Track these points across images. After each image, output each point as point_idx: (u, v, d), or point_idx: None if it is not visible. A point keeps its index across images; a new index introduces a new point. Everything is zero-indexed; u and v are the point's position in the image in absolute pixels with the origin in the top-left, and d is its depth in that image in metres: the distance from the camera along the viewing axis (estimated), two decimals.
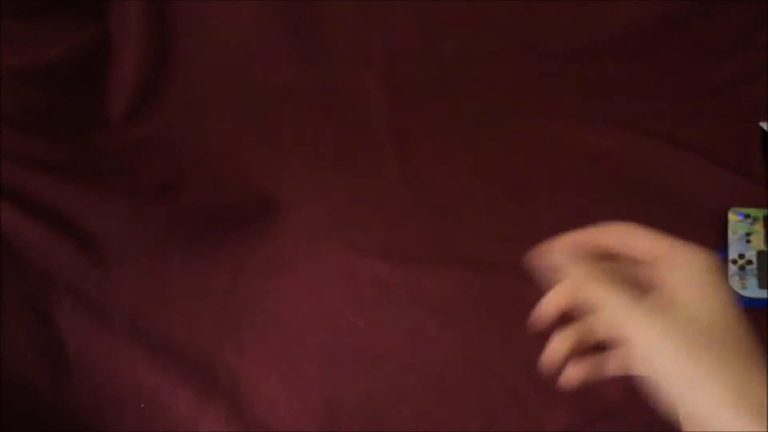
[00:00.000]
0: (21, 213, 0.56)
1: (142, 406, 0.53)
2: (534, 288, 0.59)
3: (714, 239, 0.60)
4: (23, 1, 0.67)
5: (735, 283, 0.56)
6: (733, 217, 0.60)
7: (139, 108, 0.72)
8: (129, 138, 0.69)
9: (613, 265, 0.36)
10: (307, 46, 0.76)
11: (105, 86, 0.72)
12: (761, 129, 0.67)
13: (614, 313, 0.31)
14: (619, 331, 0.31)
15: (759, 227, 0.59)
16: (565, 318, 0.36)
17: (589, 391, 0.52)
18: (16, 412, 0.51)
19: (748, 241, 0.58)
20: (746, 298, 0.55)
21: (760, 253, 0.58)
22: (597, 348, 0.36)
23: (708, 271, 0.32)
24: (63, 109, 0.67)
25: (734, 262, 0.57)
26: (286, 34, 0.75)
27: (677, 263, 0.32)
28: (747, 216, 0.60)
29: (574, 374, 0.36)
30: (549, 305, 0.36)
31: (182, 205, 0.65)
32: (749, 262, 0.57)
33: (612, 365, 0.36)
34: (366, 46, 0.76)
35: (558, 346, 0.36)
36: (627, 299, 0.31)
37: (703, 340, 0.29)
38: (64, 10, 0.70)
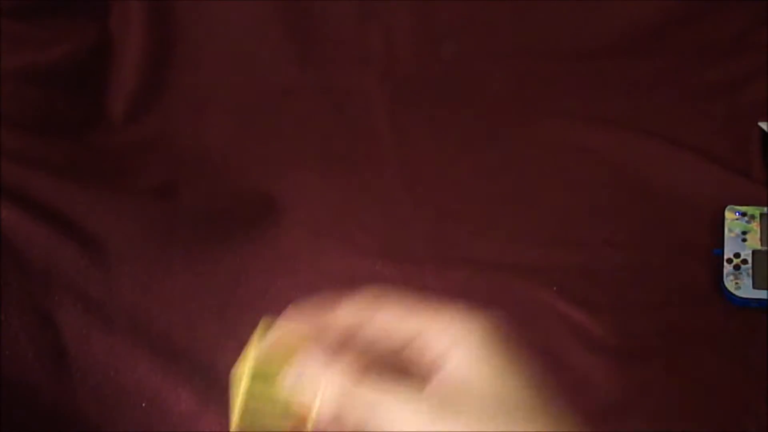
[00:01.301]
0: (21, 213, 0.56)
1: (143, 405, 0.53)
2: (534, 288, 0.60)
3: (711, 238, 0.60)
4: (24, 1, 0.67)
5: (729, 282, 0.56)
6: (730, 215, 0.60)
7: (139, 108, 0.72)
8: (130, 138, 0.70)
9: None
10: (308, 46, 0.76)
11: (106, 87, 0.72)
12: (760, 129, 0.67)
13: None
14: None
15: (755, 226, 0.59)
16: None
17: (589, 391, 0.53)
18: (16, 412, 0.51)
19: (744, 240, 0.59)
20: (740, 298, 0.55)
21: (755, 253, 0.58)
22: None
23: (479, 338, 0.28)
24: (64, 110, 0.67)
25: (729, 261, 0.57)
26: (286, 35, 0.75)
27: (436, 341, 0.28)
28: (744, 214, 0.60)
29: None
30: None
31: (183, 205, 0.65)
32: (744, 261, 0.57)
33: None
34: (366, 46, 0.76)
35: None
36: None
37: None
38: (64, 11, 0.70)
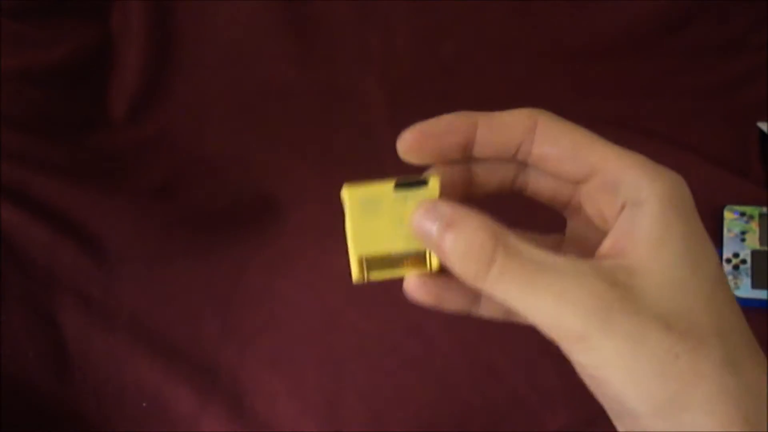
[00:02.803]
0: (23, 213, 0.56)
1: (144, 405, 0.53)
2: None
3: (710, 238, 0.60)
4: (24, 1, 0.67)
5: (728, 282, 0.56)
6: (728, 214, 0.60)
7: (140, 109, 0.72)
8: (130, 138, 0.70)
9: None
10: (308, 46, 0.76)
11: (106, 87, 0.72)
12: (759, 129, 0.67)
13: (550, 313, 0.20)
14: (563, 334, 0.20)
15: (754, 225, 0.59)
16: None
17: (589, 391, 0.53)
18: (17, 411, 0.51)
19: (743, 240, 0.59)
20: (739, 297, 0.55)
21: (754, 253, 0.58)
22: None
23: (689, 211, 0.21)
24: (64, 110, 0.67)
25: (728, 261, 0.58)
26: (286, 35, 0.75)
27: (635, 197, 0.21)
28: (743, 214, 0.60)
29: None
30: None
31: (183, 205, 0.65)
32: (743, 261, 0.57)
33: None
34: (366, 46, 0.76)
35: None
36: (565, 286, 0.20)
37: (692, 344, 0.19)
38: (65, 11, 0.70)
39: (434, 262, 0.24)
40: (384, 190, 0.24)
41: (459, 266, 0.21)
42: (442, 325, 0.58)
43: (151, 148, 0.69)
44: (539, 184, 0.25)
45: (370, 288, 0.62)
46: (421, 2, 0.76)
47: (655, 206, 0.21)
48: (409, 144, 0.23)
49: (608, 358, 0.19)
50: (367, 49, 0.76)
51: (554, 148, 0.23)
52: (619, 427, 0.22)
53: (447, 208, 0.21)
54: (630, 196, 0.21)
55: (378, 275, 0.25)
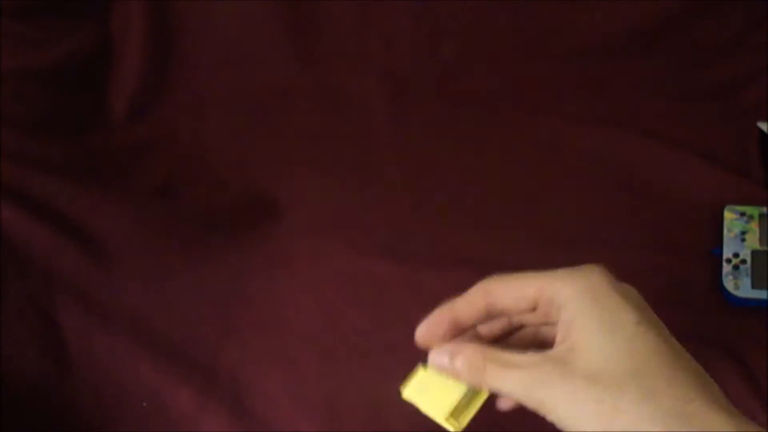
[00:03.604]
0: (22, 213, 0.56)
1: (144, 405, 0.53)
2: None
3: (710, 238, 0.60)
4: (24, 1, 0.67)
5: (728, 282, 0.56)
6: (729, 214, 0.60)
7: (140, 109, 0.72)
8: (130, 139, 0.70)
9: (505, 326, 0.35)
10: (308, 46, 0.76)
11: (106, 87, 0.72)
12: (759, 129, 0.67)
13: (520, 390, 0.29)
14: (533, 403, 0.29)
15: (754, 225, 0.59)
16: None
17: None
18: (17, 412, 0.51)
19: (743, 240, 0.59)
20: (739, 297, 0.55)
21: (754, 253, 0.58)
22: None
23: (601, 293, 0.29)
24: (64, 110, 0.67)
25: (728, 261, 0.57)
26: (286, 35, 0.75)
27: (560, 301, 0.30)
28: (743, 214, 0.60)
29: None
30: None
31: (183, 206, 0.65)
32: (743, 261, 0.57)
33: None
34: (366, 46, 0.76)
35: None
36: (525, 373, 0.29)
37: (613, 390, 0.26)
38: (64, 11, 0.70)
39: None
40: (422, 372, 0.35)
41: (467, 377, 0.32)
42: None
43: (151, 148, 0.69)
44: (525, 319, 0.35)
45: (370, 288, 0.63)
46: (421, 2, 0.76)
47: (571, 303, 0.29)
48: (424, 345, 0.35)
49: (564, 413, 0.27)
50: (368, 49, 0.76)
51: (508, 299, 0.33)
52: None
53: (449, 346, 0.33)
54: (558, 302, 0.30)
55: (465, 417, 0.34)
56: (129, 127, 0.70)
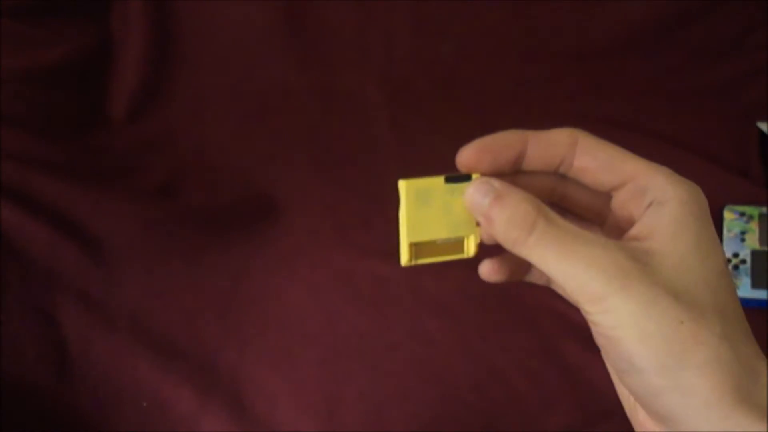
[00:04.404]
0: (23, 213, 0.56)
1: (144, 404, 0.53)
2: (534, 287, 0.60)
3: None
4: (24, 1, 0.67)
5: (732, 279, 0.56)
6: (728, 215, 0.60)
7: (140, 109, 0.72)
8: (130, 139, 0.70)
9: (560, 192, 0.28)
10: (308, 46, 0.76)
11: (107, 87, 0.72)
12: (759, 129, 0.67)
13: (573, 272, 0.23)
14: (583, 295, 0.23)
15: (754, 225, 0.59)
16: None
17: (589, 390, 0.53)
18: (17, 411, 0.51)
19: (742, 240, 0.59)
20: (739, 298, 0.55)
21: (754, 253, 0.58)
22: None
23: (704, 214, 0.25)
24: (65, 110, 0.67)
25: (728, 261, 0.58)
26: (286, 35, 0.75)
27: (660, 197, 0.25)
28: (743, 214, 0.60)
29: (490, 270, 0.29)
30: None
31: (184, 206, 0.65)
32: (743, 261, 0.57)
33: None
34: (366, 46, 0.76)
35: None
36: (590, 253, 0.23)
37: (695, 315, 0.22)
38: (65, 12, 0.70)
39: (471, 248, 0.28)
40: (435, 183, 0.27)
41: (503, 232, 0.25)
42: (442, 325, 0.58)
43: (152, 148, 0.69)
44: (576, 195, 0.29)
45: (370, 288, 0.63)
46: (421, 3, 0.76)
47: (675, 206, 0.25)
48: (468, 158, 0.27)
49: (623, 319, 0.23)
50: (367, 50, 0.76)
51: (593, 161, 0.26)
52: (624, 382, 0.24)
53: (497, 183, 0.26)
54: (656, 197, 0.25)
55: (423, 260, 0.28)
56: (129, 127, 0.70)
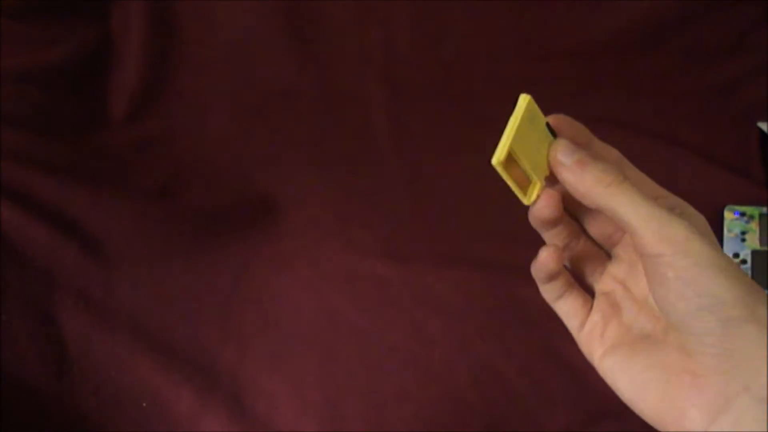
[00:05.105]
0: (23, 213, 0.56)
1: (144, 405, 0.53)
2: (534, 287, 0.60)
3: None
4: (24, 1, 0.67)
5: None
6: (729, 215, 0.60)
7: (140, 109, 0.72)
8: (131, 139, 0.70)
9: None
10: (308, 46, 0.76)
11: (106, 87, 0.72)
12: (759, 129, 0.67)
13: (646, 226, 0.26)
14: (659, 238, 0.25)
15: (754, 225, 0.59)
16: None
17: (589, 390, 0.53)
18: (17, 412, 0.51)
19: (743, 240, 0.59)
20: None
21: (754, 253, 0.58)
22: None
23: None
24: (65, 110, 0.67)
25: None
26: (286, 35, 0.75)
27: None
28: (743, 214, 0.60)
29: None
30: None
31: (184, 206, 0.65)
32: (743, 261, 0.58)
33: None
34: (366, 46, 0.76)
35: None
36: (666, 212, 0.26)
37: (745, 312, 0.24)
38: (64, 11, 0.70)
39: (532, 195, 0.30)
40: (542, 118, 0.30)
41: (596, 176, 0.27)
42: (442, 325, 0.58)
43: (151, 148, 0.69)
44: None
45: (370, 288, 0.63)
46: (422, 3, 0.76)
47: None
48: (558, 120, 0.30)
49: (704, 258, 0.25)
50: (368, 50, 0.76)
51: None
52: (705, 320, 0.25)
53: (582, 152, 0.29)
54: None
55: (503, 170, 0.28)
56: (129, 127, 0.70)
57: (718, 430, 0.24)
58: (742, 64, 0.73)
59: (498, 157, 0.27)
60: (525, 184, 0.29)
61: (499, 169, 0.28)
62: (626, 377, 0.28)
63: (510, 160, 0.28)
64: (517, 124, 0.28)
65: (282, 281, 0.60)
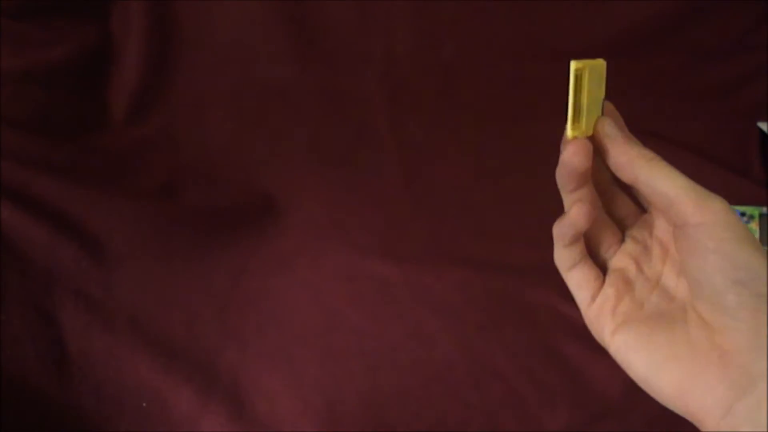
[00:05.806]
0: (23, 213, 0.56)
1: (144, 405, 0.53)
2: (534, 287, 0.60)
3: None
4: (24, 1, 0.67)
5: None
6: None
7: (140, 109, 0.72)
8: (131, 138, 0.70)
9: None
10: (308, 46, 0.76)
11: (107, 87, 0.72)
12: (759, 129, 0.68)
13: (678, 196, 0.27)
14: (689, 203, 0.26)
15: (754, 225, 0.59)
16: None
17: (589, 390, 0.53)
18: (17, 411, 0.51)
19: None
20: None
21: None
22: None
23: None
24: (65, 110, 0.67)
25: None
26: (286, 35, 0.75)
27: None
28: (743, 214, 0.60)
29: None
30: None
31: (184, 205, 0.65)
32: None
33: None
34: (366, 46, 0.76)
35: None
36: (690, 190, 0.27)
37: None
38: (65, 11, 0.70)
39: (570, 131, 0.31)
40: (603, 92, 0.31)
41: (634, 148, 0.30)
42: (442, 325, 0.58)
43: (152, 148, 0.70)
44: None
45: (370, 288, 0.63)
46: (422, 3, 0.76)
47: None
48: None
49: (741, 231, 0.25)
50: (368, 50, 0.76)
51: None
52: (740, 294, 0.25)
53: (628, 132, 0.31)
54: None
55: (575, 83, 0.30)
56: (129, 127, 0.70)
57: (741, 409, 0.24)
58: (742, 64, 0.73)
59: (578, 64, 0.29)
60: (577, 116, 0.30)
61: (577, 75, 0.29)
62: (643, 354, 0.27)
63: (579, 84, 0.29)
64: (600, 66, 0.30)
65: (282, 281, 0.60)
